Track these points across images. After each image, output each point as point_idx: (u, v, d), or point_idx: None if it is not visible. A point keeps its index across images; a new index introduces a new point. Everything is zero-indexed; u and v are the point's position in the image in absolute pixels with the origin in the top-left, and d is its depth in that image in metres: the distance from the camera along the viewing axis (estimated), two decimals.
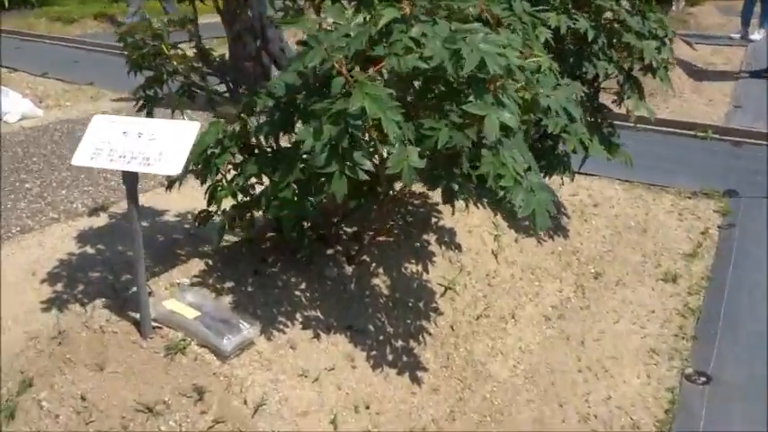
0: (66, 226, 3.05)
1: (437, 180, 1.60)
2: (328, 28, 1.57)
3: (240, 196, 1.95)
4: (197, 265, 2.13)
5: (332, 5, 1.57)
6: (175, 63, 2.13)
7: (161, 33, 1.95)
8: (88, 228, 3.04)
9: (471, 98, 1.50)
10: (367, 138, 1.51)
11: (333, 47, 1.46)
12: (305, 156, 1.64)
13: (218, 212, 2.03)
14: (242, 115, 1.87)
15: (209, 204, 2.09)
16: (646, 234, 3.57)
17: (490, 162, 1.52)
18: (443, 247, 2.61)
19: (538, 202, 1.59)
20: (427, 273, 2.44)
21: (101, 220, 3.14)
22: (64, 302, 2.41)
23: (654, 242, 3.49)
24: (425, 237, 2.57)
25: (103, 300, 2.30)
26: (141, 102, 2.37)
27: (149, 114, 2.44)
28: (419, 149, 1.51)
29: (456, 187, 1.62)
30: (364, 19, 1.56)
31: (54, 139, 4.21)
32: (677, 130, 4.88)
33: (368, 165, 1.46)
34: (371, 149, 1.51)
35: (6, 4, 8.33)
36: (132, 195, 1.56)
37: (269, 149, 1.84)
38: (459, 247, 2.67)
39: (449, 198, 1.64)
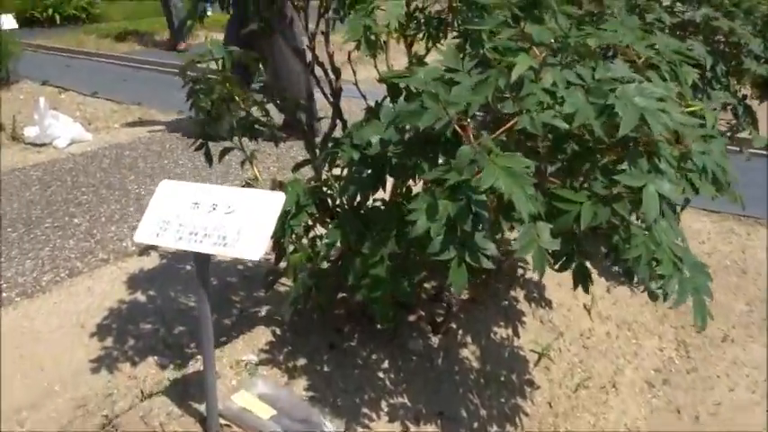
0: (115, 268, 2.85)
1: (568, 260, 1.31)
2: (435, 74, 1.30)
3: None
4: (263, 335, 1.88)
5: (448, 49, 1.30)
6: (242, 104, 1.88)
7: (230, 77, 1.70)
8: (138, 270, 2.84)
9: (615, 161, 1.20)
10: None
11: (448, 101, 1.18)
12: (403, 220, 1.37)
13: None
14: (320, 169, 1.61)
15: (276, 262, 1.84)
16: (746, 276, 3.17)
17: (642, 243, 1.21)
18: (533, 305, 2.30)
19: (695, 289, 1.28)
20: (518, 337, 2.14)
21: (151, 261, 2.94)
22: (114, 361, 2.21)
23: (757, 286, 3.09)
24: (513, 293, 2.28)
25: (157, 360, 2.09)
26: (198, 141, 2.15)
27: (207, 152, 2.21)
28: (551, 226, 1.21)
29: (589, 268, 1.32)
30: (481, 65, 1.28)
31: (103, 167, 4.05)
32: None
33: (492, 249, 1.18)
34: (495, 228, 1.22)
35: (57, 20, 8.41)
36: (203, 279, 1.30)
37: (354, 210, 1.57)
38: (549, 304, 2.36)
39: (582, 281, 1.34)
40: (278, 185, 1.96)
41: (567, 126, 1.18)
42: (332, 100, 1.85)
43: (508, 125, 1.19)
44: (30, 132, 4.36)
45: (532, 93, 1.20)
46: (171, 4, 6.90)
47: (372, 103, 1.92)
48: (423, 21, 1.65)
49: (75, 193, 3.65)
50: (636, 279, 1.46)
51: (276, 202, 1.26)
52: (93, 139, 4.56)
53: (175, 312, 2.44)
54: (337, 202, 1.67)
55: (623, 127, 1.13)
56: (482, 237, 1.19)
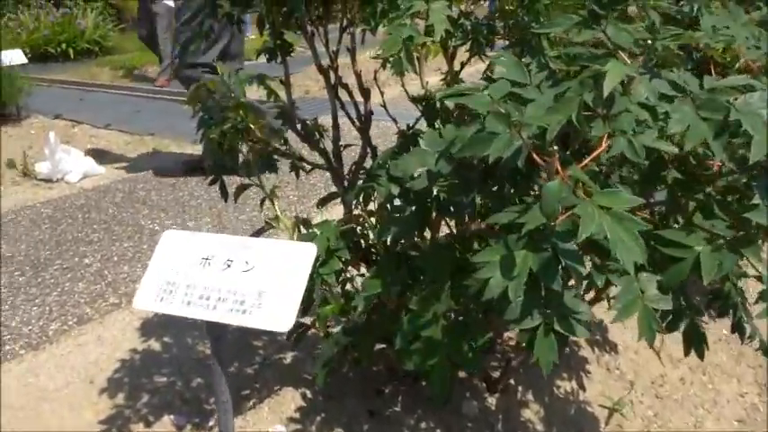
0: (128, 313, 2.62)
1: (676, 318, 1.03)
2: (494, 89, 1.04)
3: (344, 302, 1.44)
4: (292, 399, 1.61)
5: (505, 56, 1.04)
6: (259, 133, 1.65)
7: (245, 104, 1.47)
8: (152, 314, 2.61)
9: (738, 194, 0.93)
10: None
11: (520, 124, 0.93)
12: (459, 268, 1.11)
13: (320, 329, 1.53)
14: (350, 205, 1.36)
15: (303, 314, 1.59)
16: None
17: None
18: (597, 350, 2.01)
19: None
20: (584, 390, 1.85)
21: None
22: (125, 421, 1.97)
23: None
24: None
25: (173, 419, 1.85)
26: (212, 175, 1.92)
27: (222, 186, 1.98)
28: (658, 277, 0.94)
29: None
30: (553, 76, 1.03)
31: (115, 201, 3.86)
32: None
33: (587, 312, 0.91)
34: (582, 281, 0.95)
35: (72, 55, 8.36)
36: (218, 354, 1.05)
37: (395, 256, 1.31)
38: (614, 348, 2.06)
39: (697, 344, 1.06)
40: (302, 225, 1.71)
41: (676, 150, 0.92)
42: (358, 125, 1.61)
43: (597, 151, 0.93)
44: (41, 168, 4.19)
45: (626, 109, 0.93)
46: (157, 39, 6.70)
47: (403, 126, 1.68)
48: (469, 28, 1.40)
49: (87, 231, 3.46)
50: (747, 334, 1.19)
51: (306, 255, 1.00)
52: (107, 173, 4.39)
53: (193, 362, 2.21)
54: (373, 242, 1.41)
55: (756, 149, 0.86)
56: (572, 297, 0.92)
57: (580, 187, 0.86)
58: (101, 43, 8.68)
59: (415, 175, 1.20)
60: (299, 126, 1.59)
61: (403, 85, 1.89)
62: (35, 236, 3.40)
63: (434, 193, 1.22)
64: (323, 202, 1.85)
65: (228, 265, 1.03)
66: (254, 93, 1.90)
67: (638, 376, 2.04)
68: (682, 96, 0.96)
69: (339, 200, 1.81)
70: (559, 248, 0.89)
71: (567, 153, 1.03)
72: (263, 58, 1.66)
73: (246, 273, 1.02)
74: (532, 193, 1.01)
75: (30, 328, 2.55)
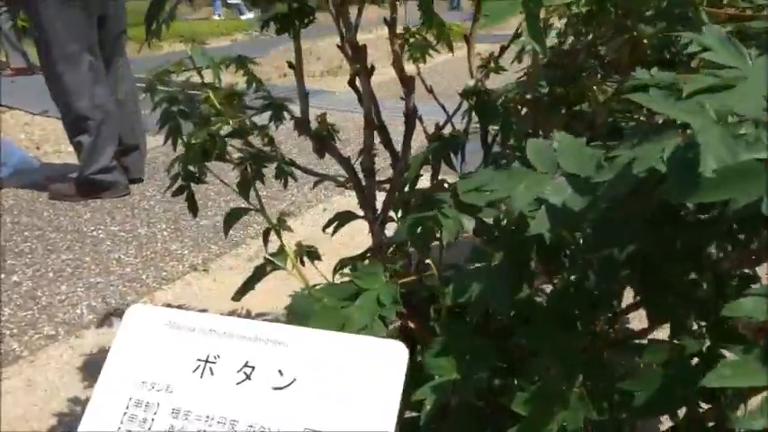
0: (66, 347, 2.12)
1: None
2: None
3: None
4: None
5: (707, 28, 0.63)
6: (233, 123, 1.20)
7: (220, 92, 1.02)
8: (97, 349, 2.12)
9: None
10: None
11: None
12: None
13: None
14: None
15: None
16: None
17: None
18: None
19: None
20: None
21: (113, 334, 2.20)
22: None
23: None
24: None
25: None
26: (179, 183, 1.48)
27: (190, 200, 1.53)
28: None
29: None
30: None
31: (52, 203, 3.29)
32: None
33: None
34: None
35: None
36: None
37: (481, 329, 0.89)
38: None
39: None
40: (306, 255, 1.29)
41: None
42: (376, 123, 1.17)
43: None
44: None
45: None
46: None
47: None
48: None
49: (16, 239, 2.89)
50: None
51: (391, 360, 0.57)
52: (42, 168, 3.79)
53: None
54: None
55: None
56: None
57: None
58: None
59: (522, 206, 0.78)
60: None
61: (417, 69, 1.46)
62: None
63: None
64: (330, 224, 1.41)
65: (247, 375, 0.59)
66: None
67: None
68: None
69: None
70: None
71: None
72: (225, 40, 1.21)
73: (281, 392, 0.58)
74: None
75: None
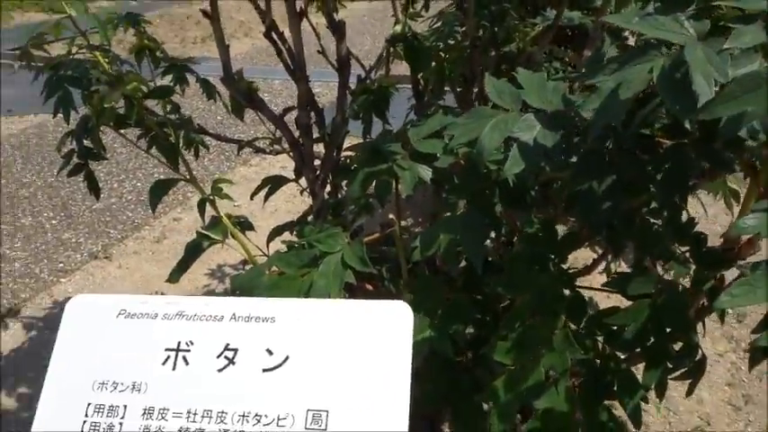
0: None
1: None
2: None
3: None
4: None
5: None
6: (131, 87, 1.06)
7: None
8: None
9: None
10: None
11: None
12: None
13: None
14: None
15: None
16: None
17: None
18: None
19: None
20: None
21: (10, 337, 1.99)
22: None
23: None
24: None
25: None
26: (75, 161, 1.34)
27: (90, 179, 1.39)
28: None
29: None
30: None
31: None
32: None
33: None
34: None
35: None
36: None
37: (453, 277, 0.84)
38: None
39: None
40: (240, 226, 1.20)
41: None
42: (298, 75, 1.07)
43: None
44: None
45: None
46: None
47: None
48: None
49: None
50: None
51: (394, 328, 0.51)
52: None
53: None
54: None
55: None
56: None
57: None
58: None
59: (491, 148, 0.74)
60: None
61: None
62: None
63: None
64: (261, 190, 1.30)
65: (230, 359, 0.51)
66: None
67: None
68: None
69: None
70: None
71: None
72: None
73: (273, 373, 0.50)
74: None
75: None
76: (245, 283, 0.91)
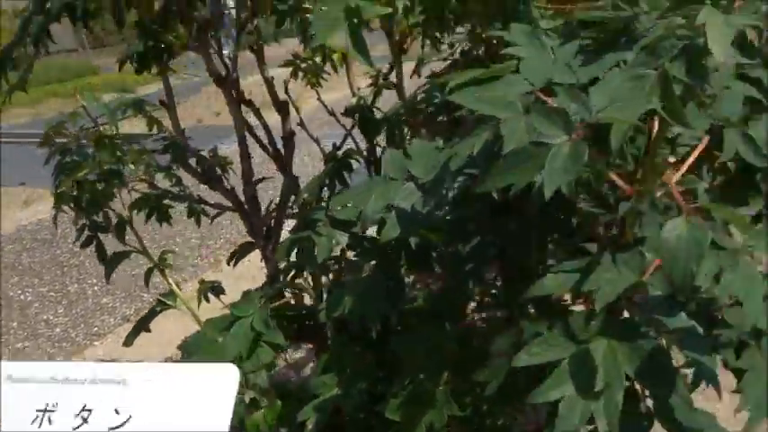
0: None
1: None
2: None
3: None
4: None
5: (515, 26, 0.66)
6: (133, 166, 1.18)
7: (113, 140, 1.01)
8: None
9: None
10: None
11: (585, 123, 0.55)
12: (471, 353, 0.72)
13: None
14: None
15: None
16: None
17: None
18: None
19: None
20: None
21: None
22: None
23: None
24: None
25: None
26: (86, 233, 1.45)
27: (99, 250, 1.50)
28: None
29: None
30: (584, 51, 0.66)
31: None
32: None
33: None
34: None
35: None
36: None
37: (357, 338, 0.89)
38: None
39: None
40: (211, 292, 1.28)
41: None
42: (272, 151, 1.17)
43: (696, 153, 0.56)
44: None
45: (728, 86, 0.58)
46: None
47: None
48: None
49: None
50: None
51: (222, 386, 0.57)
52: None
53: None
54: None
55: None
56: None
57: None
58: None
59: (373, 216, 0.79)
60: (192, 161, 1.14)
61: (319, 98, 1.49)
62: None
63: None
64: (234, 257, 1.41)
65: (84, 419, 0.58)
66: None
67: None
68: None
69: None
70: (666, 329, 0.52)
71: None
72: (153, 87, 1.21)
73: (118, 430, 0.57)
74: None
75: None
76: (190, 347, 0.99)
